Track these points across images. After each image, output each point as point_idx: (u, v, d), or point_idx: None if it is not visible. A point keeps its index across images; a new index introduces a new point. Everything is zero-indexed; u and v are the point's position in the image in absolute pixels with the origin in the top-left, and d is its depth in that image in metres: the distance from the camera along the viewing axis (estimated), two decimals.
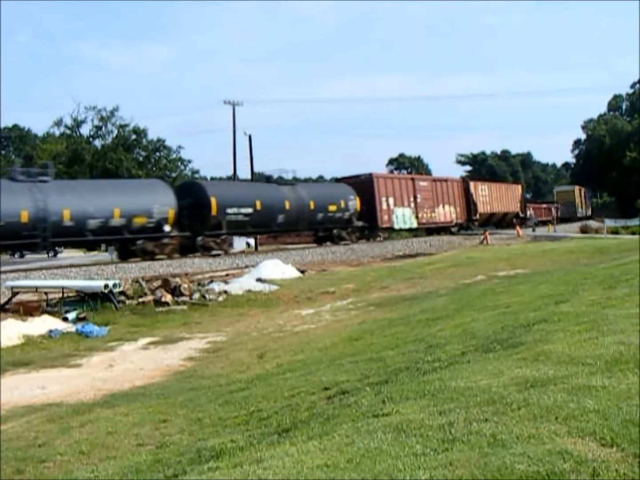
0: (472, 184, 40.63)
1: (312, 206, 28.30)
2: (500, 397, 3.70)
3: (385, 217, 32.12)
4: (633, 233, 40.78)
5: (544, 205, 58.82)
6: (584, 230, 47.11)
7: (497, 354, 5.25)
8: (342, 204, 29.79)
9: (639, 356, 4.18)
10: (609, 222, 46.22)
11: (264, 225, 27.13)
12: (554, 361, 4.47)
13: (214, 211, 24.27)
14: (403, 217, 33.21)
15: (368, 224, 31.19)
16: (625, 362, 4.11)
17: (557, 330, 5.77)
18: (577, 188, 65.76)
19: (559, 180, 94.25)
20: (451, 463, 2.79)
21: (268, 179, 32.32)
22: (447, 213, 36.99)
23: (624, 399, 3.38)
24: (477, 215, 39.79)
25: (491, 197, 42.14)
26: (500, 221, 44.79)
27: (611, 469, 2.59)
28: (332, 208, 29.27)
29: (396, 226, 32.92)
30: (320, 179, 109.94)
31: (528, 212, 49.32)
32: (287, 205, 27.28)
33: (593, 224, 52.62)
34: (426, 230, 36.76)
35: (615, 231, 44.29)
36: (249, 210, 25.57)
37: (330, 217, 29.32)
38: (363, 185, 31.46)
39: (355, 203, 30.39)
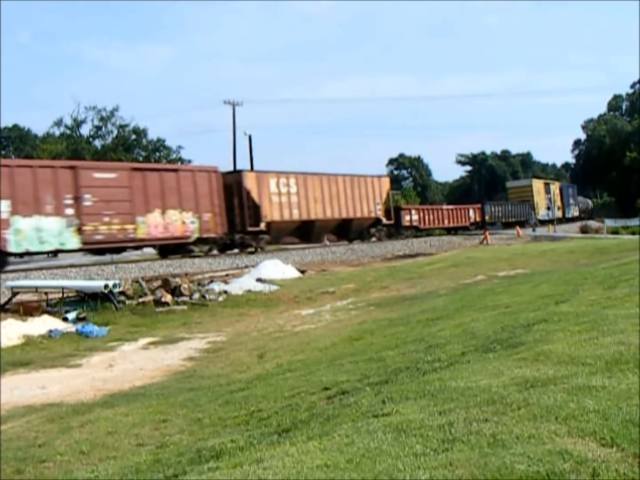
0: (249, 175, 26.26)
1: None
2: (500, 397, 3.70)
3: None
4: (633, 233, 40.76)
5: (448, 207, 42.44)
6: (584, 230, 46.77)
7: (497, 354, 5.25)
8: None
9: (639, 356, 4.18)
10: (609, 222, 46.09)
11: None
12: (554, 361, 4.47)
13: None
14: (38, 233, 19.51)
15: None
16: (625, 362, 4.11)
17: (557, 330, 5.77)
18: (539, 183, 53.75)
19: (559, 180, 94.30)
20: (451, 463, 2.79)
21: None
22: (174, 223, 22.95)
23: (624, 399, 3.38)
24: (262, 225, 25.85)
25: (306, 197, 27.76)
26: (343, 231, 30.95)
27: (611, 469, 2.59)
28: None
29: (15, 248, 19.21)
30: None
31: (408, 217, 36.08)
32: None
33: (593, 224, 50.77)
34: (159, 249, 24.89)
35: (615, 231, 44.24)
36: None
37: None
38: None
39: None
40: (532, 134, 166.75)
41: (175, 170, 24.13)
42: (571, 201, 59.02)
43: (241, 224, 25.60)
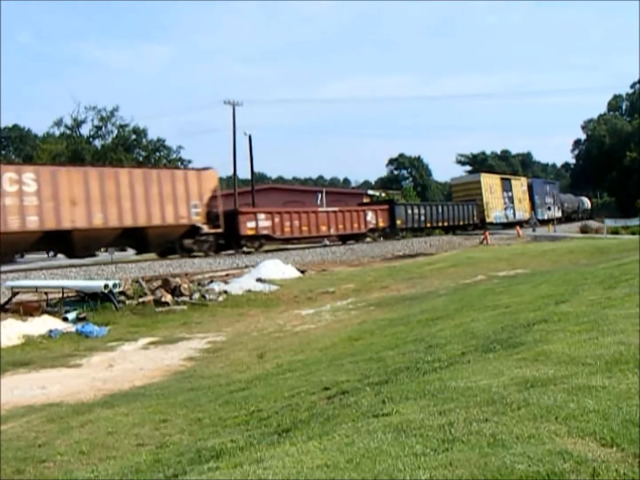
0: None
1: None
2: (500, 397, 3.70)
3: None
4: (633, 233, 40.66)
5: (329, 209, 32.08)
6: (584, 230, 46.58)
7: (497, 354, 5.25)
8: None
9: (639, 356, 4.18)
10: (609, 222, 45.92)
11: None
12: (554, 361, 4.47)
13: None
14: None
15: None
16: (625, 362, 4.11)
17: (557, 330, 5.77)
18: (491, 178, 44.61)
19: (559, 180, 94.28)
20: (451, 463, 2.79)
21: None
22: None
23: (624, 399, 3.38)
24: None
25: (55, 198, 20.33)
26: (138, 243, 23.81)
27: (611, 469, 2.59)
28: None
29: None
30: (320, 179, 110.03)
31: (252, 224, 26.59)
32: None
33: (593, 224, 49.89)
34: None
35: (615, 231, 44.12)
36: None
37: None
38: None
39: None
40: (532, 134, 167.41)
41: None
42: (548, 200, 50.85)
43: None
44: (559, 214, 51.99)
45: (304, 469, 3.03)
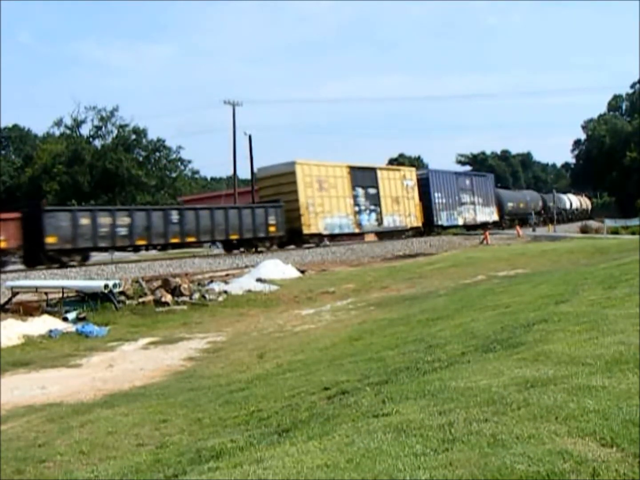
0: None
1: None
2: (500, 397, 3.70)
3: None
4: (633, 233, 40.57)
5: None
6: (584, 230, 46.37)
7: (497, 354, 5.25)
8: None
9: (639, 356, 4.18)
10: (609, 222, 45.80)
11: None
12: (554, 361, 4.47)
13: None
14: None
15: None
16: (625, 362, 4.11)
17: (557, 330, 5.78)
18: (319, 168, 28.63)
19: (559, 180, 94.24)
20: (451, 463, 2.79)
21: None
22: None
23: (624, 399, 3.38)
24: None
25: None
26: None
27: (611, 469, 2.59)
28: None
29: None
30: None
31: None
32: None
33: (593, 224, 49.75)
34: None
35: (615, 231, 44.03)
36: None
37: None
38: None
39: None
40: (532, 134, 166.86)
41: None
42: (466, 198, 37.70)
43: None
44: (492, 217, 40.07)
45: (304, 469, 3.03)
